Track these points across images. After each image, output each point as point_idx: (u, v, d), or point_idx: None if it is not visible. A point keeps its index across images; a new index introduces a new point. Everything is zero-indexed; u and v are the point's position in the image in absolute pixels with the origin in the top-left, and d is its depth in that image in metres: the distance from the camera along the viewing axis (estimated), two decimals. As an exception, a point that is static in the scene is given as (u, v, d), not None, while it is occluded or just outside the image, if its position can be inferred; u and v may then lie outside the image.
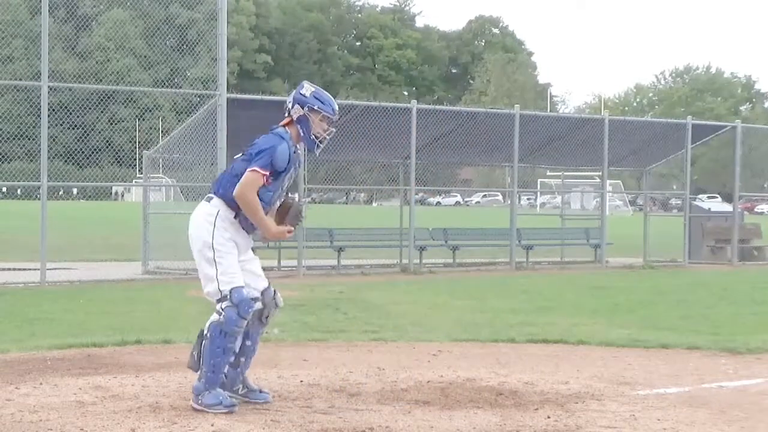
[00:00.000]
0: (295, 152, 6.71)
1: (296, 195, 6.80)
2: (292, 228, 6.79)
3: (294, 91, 6.78)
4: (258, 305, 6.68)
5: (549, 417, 6.55)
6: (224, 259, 6.53)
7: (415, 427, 6.23)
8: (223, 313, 6.49)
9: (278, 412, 6.57)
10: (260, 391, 6.88)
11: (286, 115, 6.76)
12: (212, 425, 6.14)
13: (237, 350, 6.71)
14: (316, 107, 6.70)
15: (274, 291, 6.83)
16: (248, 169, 6.50)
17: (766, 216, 47.05)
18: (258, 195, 6.52)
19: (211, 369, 6.51)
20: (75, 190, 53.46)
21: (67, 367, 8.17)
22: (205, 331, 6.56)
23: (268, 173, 6.50)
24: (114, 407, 6.61)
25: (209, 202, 6.68)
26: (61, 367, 8.17)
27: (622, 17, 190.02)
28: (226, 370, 6.64)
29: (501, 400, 7.06)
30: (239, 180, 6.51)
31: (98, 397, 6.95)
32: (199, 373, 6.61)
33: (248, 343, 6.80)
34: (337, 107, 6.80)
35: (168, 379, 7.65)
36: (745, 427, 6.47)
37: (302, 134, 6.70)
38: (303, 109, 6.69)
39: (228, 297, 6.49)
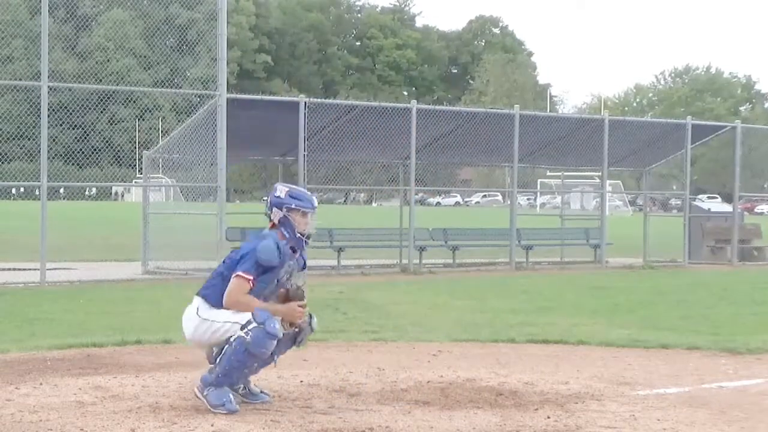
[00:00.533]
0: (285, 247, 6.66)
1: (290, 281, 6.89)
2: (302, 304, 6.77)
3: (270, 195, 6.83)
4: (293, 328, 6.73)
5: (549, 417, 6.56)
6: (218, 314, 6.56)
7: (415, 427, 6.23)
8: (251, 333, 6.42)
9: (278, 412, 6.57)
10: (261, 392, 6.90)
11: (269, 220, 6.81)
12: (212, 425, 6.14)
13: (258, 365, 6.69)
14: (293, 206, 6.74)
15: (311, 315, 6.85)
16: (234, 275, 6.55)
17: (766, 216, 47.07)
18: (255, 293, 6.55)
19: (225, 373, 6.52)
20: (86, 191, 53.48)
21: (67, 367, 8.17)
22: (232, 338, 6.49)
23: (252, 277, 6.52)
24: (114, 407, 6.61)
25: (190, 304, 6.74)
26: (61, 367, 8.17)
27: (621, 17, 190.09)
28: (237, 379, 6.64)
29: (501, 400, 7.06)
30: (223, 284, 6.59)
31: (98, 397, 6.96)
32: (212, 367, 6.62)
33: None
34: (315, 202, 6.84)
35: (168, 379, 7.65)
36: (745, 427, 6.47)
37: (287, 235, 6.72)
38: (282, 210, 6.74)
39: (251, 320, 6.45)
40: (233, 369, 6.50)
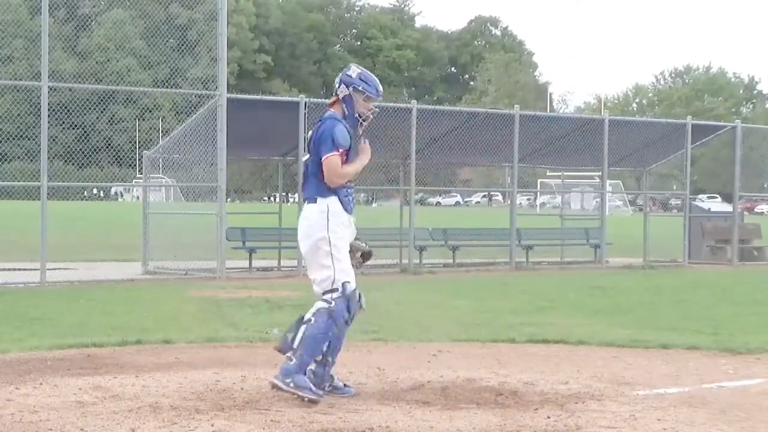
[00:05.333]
0: (349, 127, 7.04)
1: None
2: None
3: (341, 72, 7.15)
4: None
5: (549, 417, 6.55)
6: (342, 255, 6.92)
7: (415, 427, 6.23)
8: (333, 303, 6.79)
9: (278, 412, 6.56)
10: (345, 386, 7.12)
11: (333, 94, 7.12)
12: (212, 425, 6.14)
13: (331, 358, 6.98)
14: (360, 88, 7.05)
15: (360, 294, 7.07)
16: (323, 158, 6.85)
17: (766, 216, 47.07)
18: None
19: (309, 352, 6.76)
20: (86, 191, 53.50)
21: (67, 367, 8.17)
22: (311, 317, 6.77)
23: (340, 152, 6.86)
24: (114, 407, 6.61)
25: (316, 202, 6.95)
26: (61, 367, 8.17)
27: (621, 17, 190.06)
28: (314, 366, 6.86)
29: (501, 400, 7.06)
30: (320, 176, 6.88)
31: (98, 397, 6.95)
32: (290, 354, 6.77)
33: (333, 343, 7.01)
34: (381, 89, 7.18)
35: (168, 379, 7.65)
36: (745, 427, 6.47)
37: (347, 112, 7.06)
38: (348, 89, 7.05)
39: (340, 289, 6.81)
40: (317, 343, 6.75)
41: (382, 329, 10.92)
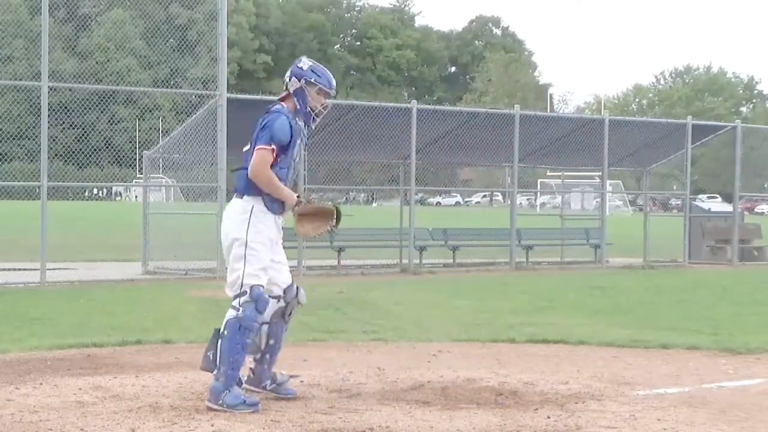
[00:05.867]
0: (296, 124, 6.83)
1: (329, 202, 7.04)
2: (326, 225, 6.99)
3: (292, 65, 6.93)
4: (280, 303, 6.85)
5: (549, 417, 6.55)
6: (254, 257, 6.66)
7: (415, 427, 6.22)
8: (241, 308, 6.58)
9: (278, 412, 6.56)
10: (290, 376, 7.06)
11: (284, 89, 6.92)
12: (212, 425, 6.14)
13: (261, 347, 6.85)
14: (312, 80, 6.83)
15: (297, 288, 6.94)
16: (255, 148, 6.68)
17: (766, 216, 47.06)
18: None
19: (231, 366, 6.55)
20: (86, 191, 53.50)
21: (67, 367, 8.17)
22: (222, 329, 6.60)
23: (273, 147, 6.65)
24: (114, 407, 6.61)
25: (241, 198, 6.78)
26: (61, 367, 8.16)
27: (621, 17, 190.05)
28: (253, 365, 6.75)
29: (501, 400, 7.06)
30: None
31: (98, 397, 6.95)
32: (216, 373, 6.61)
33: (272, 341, 6.94)
34: (334, 82, 6.93)
35: (168, 379, 7.65)
36: (745, 427, 6.47)
37: (299, 107, 6.84)
38: (300, 81, 6.83)
39: (248, 293, 6.59)
40: (236, 354, 6.54)
41: (382, 329, 10.92)
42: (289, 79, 6.86)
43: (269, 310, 6.84)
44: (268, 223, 6.76)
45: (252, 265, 6.64)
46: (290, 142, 6.75)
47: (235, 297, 6.63)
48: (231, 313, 6.62)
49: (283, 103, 6.89)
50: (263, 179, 6.65)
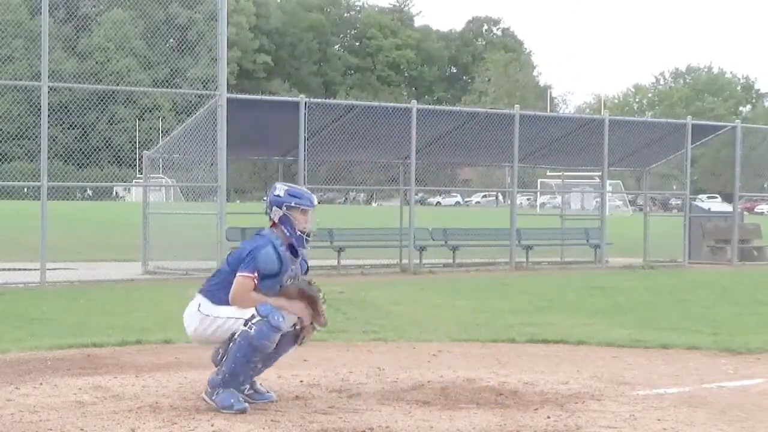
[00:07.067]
0: (285, 252, 6.67)
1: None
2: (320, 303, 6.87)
3: (269, 194, 6.83)
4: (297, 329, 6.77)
5: (549, 417, 6.55)
6: (220, 310, 6.59)
7: (415, 427, 6.23)
8: (254, 327, 6.45)
9: (278, 412, 6.57)
10: (267, 392, 6.94)
11: (269, 219, 6.81)
12: (212, 425, 6.14)
13: (261, 365, 6.78)
14: (293, 204, 6.76)
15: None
16: (238, 274, 6.55)
17: (766, 216, 47.05)
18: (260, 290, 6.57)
19: (231, 373, 6.53)
20: (85, 191, 53.48)
21: (67, 367, 8.17)
22: (236, 335, 6.52)
23: (255, 275, 6.53)
24: (114, 407, 6.61)
25: (192, 300, 6.76)
26: (61, 367, 8.17)
27: (621, 17, 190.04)
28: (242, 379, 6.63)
29: (501, 400, 7.06)
30: (225, 283, 6.61)
31: (98, 397, 6.96)
32: (218, 368, 6.61)
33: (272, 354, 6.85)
34: (315, 200, 6.86)
35: (168, 379, 7.65)
36: (745, 427, 6.47)
37: (288, 233, 6.73)
38: (281, 209, 6.75)
39: (254, 314, 6.47)
40: (239, 366, 6.51)
41: (382, 329, 10.93)
42: (271, 209, 6.77)
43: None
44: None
45: (227, 311, 6.56)
46: (278, 272, 6.64)
47: (245, 324, 6.49)
48: (243, 329, 6.48)
49: (273, 228, 6.77)
50: (244, 303, 6.54)
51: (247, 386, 6.80)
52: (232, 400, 6.49)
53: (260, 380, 7.08)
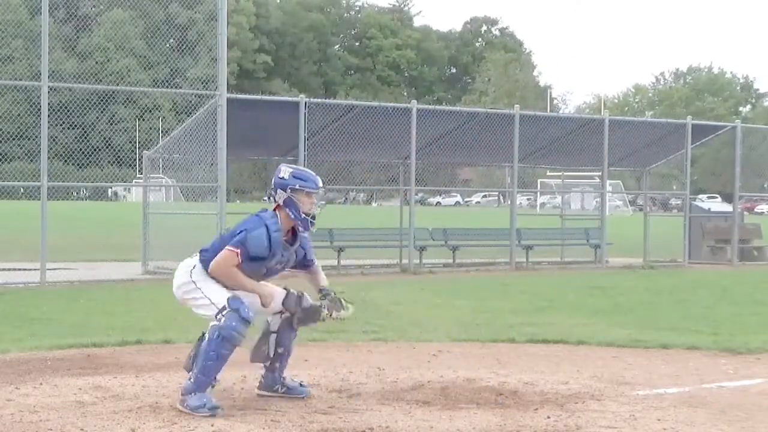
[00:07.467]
0: (278, 238, 6.63)
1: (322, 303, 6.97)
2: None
3: (274, 176, 6.79)
4: (285, 314, 6.83)
5: (549, 417, 6.55)
6: (207, 285, 6.62)
7: (415, 427, 6.23)
8: (223, 318, 6.48)
9: (278, 412, 6.57)
10: (301, 384, 7.04)
11: (273, 201, 6.78)
12: (212, 425, 6.14)
13: (270, 355, 6.85)
14: (298, 186, 6.69)
15: (299, 297, 6.87)
16: (225, 248, 6.57)
17: (766, 216, 47.05)
18: (243, 268, 6.56)
19: (202, 371, 6.48)
20: (83, 191, 53.49)
21: (67, 367, 8.17)
22: (205, 333, 6.57)
23: (238, 251, 6.51)
24: (114, 407, 6.61)
25: (192, 257, 6.81)
26: (61, 367, 8.17)
27: (621, 17, 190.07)
28: (219, 377, 6.59)
29: (501, 400, 7.06)
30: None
31: (98, 397, 6.96)
32: (190, 373, 6.60)
33: (280, 350, 6.93)
34: (319, 180, 6.80)
35: (168, 379, 7.65)
36: (745, 427, 6.47)
37: (293, 216, 6.69)
38: (286, 191, 6.69)
39: (226, 306, 6.51)
40: (208, 361, 6.47)
41: (382, 329, 10.92)
42: (275, 192, 6.71)
43: (274, 321, 6.87)
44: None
45: (211, 290, 6.60)
46: (265, 256, 6.60)
47: (216, 315, 6.53)
48: (213, 323, 6.55)
49: (276, 211, 6.73)
50: (223, 277, 6.58)
51: (280, 386, 6.91)
52: (203, 400, 6.43)
53: (257, 380, 7.09)
